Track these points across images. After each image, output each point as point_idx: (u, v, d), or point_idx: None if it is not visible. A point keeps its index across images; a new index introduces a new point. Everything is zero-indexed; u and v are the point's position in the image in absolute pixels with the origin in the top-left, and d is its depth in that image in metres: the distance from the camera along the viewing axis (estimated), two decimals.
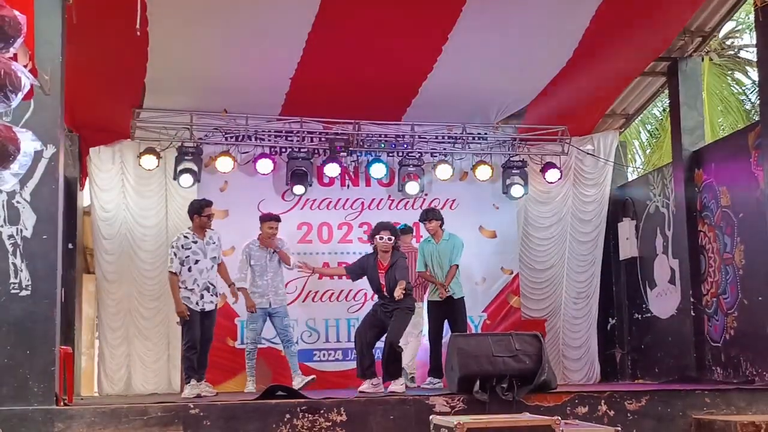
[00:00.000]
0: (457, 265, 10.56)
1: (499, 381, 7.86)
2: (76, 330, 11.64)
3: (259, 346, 10.77)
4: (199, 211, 9.67)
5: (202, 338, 9.57)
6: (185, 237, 9.60)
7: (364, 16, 9.74)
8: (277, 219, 10.77)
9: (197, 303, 9.43)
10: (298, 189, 11.97)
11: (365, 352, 9.68)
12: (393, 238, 9.73)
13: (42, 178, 7.34)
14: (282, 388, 8.69)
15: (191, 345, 9.42)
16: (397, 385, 9.41)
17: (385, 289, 9.66)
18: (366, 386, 9.48)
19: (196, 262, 9.48)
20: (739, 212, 10.32)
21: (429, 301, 10.78)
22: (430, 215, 10.79)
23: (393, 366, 9.55)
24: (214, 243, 9.68)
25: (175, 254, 9.48)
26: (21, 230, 7.26)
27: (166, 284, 10.31)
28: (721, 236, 10.67)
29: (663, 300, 12.10)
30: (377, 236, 9.73)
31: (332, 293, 12.14)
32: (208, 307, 9.54)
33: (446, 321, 10.50)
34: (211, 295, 9.56)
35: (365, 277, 9.94)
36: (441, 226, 10.77)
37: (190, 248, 9.51)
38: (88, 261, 12.87)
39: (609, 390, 8.24)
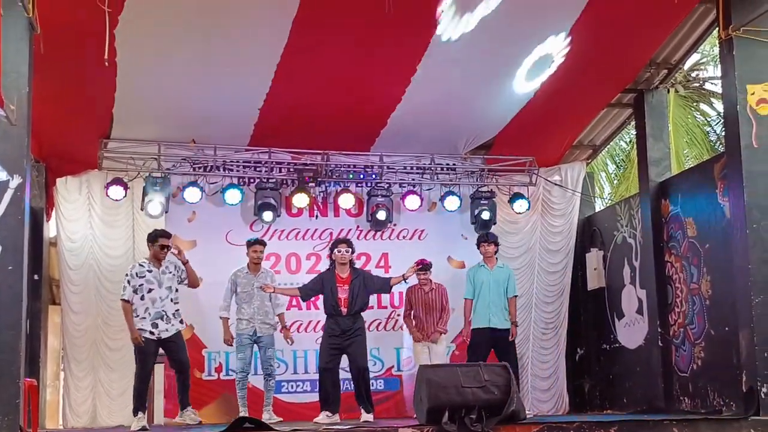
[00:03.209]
0: (517, 296, 10.92)
1: (467, 412, 7.83)
2: (41, 362, 11.47)
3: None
4: (153, 240, 9.70)
5: (175, 363, 9.64)
6: (140, 266, 9.62)
7: (333, 47, 9.78)
8: (261, 243, 10.68)
9: (151, 333, 9.40)
10: (267, 215, 11.87)
11: (336, 385, 9.77)
12: (350, 250, 10.07)
13: (8, 209, 7.25)
14: (250, 419, 8.60)
15: (142, 377, 9.40)
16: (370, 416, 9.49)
17: (346, 304, 9.81)
18: (323, 418, 9.58)
19: (150, 291, 9.48)
20: (706, 243, 10.38)
21: (474, 329, 10.82)
22: (492, 237, 10.95)
23: (368, 394, 9.68)
24: (170, 273, 9.65)
25: (129, 282, 9.49)
26: None
27: None
28: (688, 267, 10.72)
29: (631, 330, 12.12)
30: (335, 250, 10.05)
31: (300, 324, 12.03)
32: (165, 335, 9.48)
33: (493, 350, 10.64)
34: (166, 324, 9.48)
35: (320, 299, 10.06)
36: (496, 253, 10.88)
37: (144, 276, 9.51)
38: (53, 292, 12.72)
39: (578, 420, 8.24)
